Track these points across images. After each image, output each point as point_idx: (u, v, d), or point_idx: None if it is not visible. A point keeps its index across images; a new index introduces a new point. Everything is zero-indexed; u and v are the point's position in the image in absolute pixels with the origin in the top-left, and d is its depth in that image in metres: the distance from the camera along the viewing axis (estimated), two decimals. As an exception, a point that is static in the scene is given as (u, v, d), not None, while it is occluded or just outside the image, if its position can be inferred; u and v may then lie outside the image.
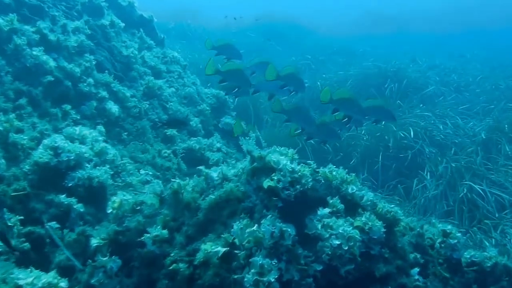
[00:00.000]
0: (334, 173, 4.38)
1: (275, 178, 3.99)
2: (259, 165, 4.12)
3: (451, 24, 36.66)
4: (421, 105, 11.93)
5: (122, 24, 7.78)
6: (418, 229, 4.56)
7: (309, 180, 4.06)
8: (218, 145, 7.32)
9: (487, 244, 6.84)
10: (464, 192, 7.90)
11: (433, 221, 4.89)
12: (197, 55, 15.48)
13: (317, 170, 4.41)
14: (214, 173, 4.38)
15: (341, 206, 4.04)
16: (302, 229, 3.87)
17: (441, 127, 10.37)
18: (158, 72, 7.96)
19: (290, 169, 4.03)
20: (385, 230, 3.93)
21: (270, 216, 3.81)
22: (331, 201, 4.08)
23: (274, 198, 3.92)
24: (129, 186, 5.55)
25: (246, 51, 17.48)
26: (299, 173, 4.05)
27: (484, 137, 9.64)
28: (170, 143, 6.92)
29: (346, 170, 4.42)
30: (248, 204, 4.03)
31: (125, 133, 6.47)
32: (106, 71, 6.75)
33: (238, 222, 3.84)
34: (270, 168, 4.07)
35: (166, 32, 18.87)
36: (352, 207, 4.19)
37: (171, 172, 6.36)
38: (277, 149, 4.44)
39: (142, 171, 5.95)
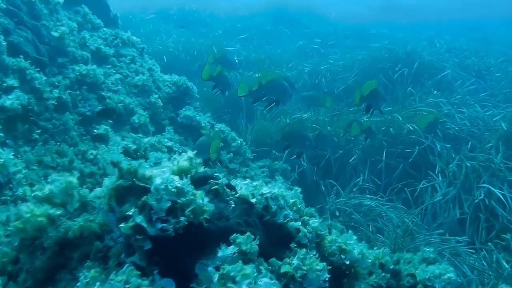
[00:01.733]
0: (263, 191, 3.01)
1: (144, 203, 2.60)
2: (127, 183, 2.70)
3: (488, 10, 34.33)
4: (436, 91, 10.33)
5: (61, 0, 6.40)
6: (392, 266, 3.35)
7: (205, 205, 2.65)
8: (170, 143, 5.92)
9: (506, 266, 5.48)
10: (481, 197, 6.66)
11: (425, 249, 3.68)
12: (194, 38, 14.07)
13: (234, 185, 3.05)
14: (71, 194, 2.98)
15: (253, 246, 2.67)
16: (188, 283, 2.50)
17: (457, 117, 8.80)
18: (104, 57, 6.58)
19: (172, 189, 2.63)
20: (330, 276, 2.66)
21: (127, 266, 2.43)
22: (240, 238, 2.68)
23: (139, 237, 2.53)
24: (20, 201, 4.20)
25: (252, 36, 16.25)
26: (189, 196, 2.64)
27: (505, 129, 8.06)
28: (103, 142, 5.54)
29: (288, 183, 3.12)
30: (108, 243, 2.66)
31: (38, 131, 5.10)
32: (22, 55, 5.38)
33: (84, 274, 2.47)
34: (142, 188, 2.67)
35: (166, 17, 17.73)
36: (280, 242, 2.78)
37: (94, 179, 4.98)
38: (174, 157, 3.07)
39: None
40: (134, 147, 5.50)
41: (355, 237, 3.22)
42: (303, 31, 17.87)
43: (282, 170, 7.68)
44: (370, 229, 6.35)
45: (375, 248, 3.89)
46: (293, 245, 2.85)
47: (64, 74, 5.81)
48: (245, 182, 3.07)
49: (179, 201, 2.60)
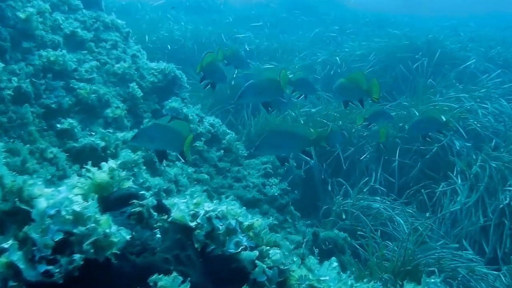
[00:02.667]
0: (206, 208, 2.32)
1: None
2: (7, 207, 1.97)
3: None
4: (458, 84, 9.48)
5: (32, -22, 5.68)
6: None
7: (113, 234, 1.94)
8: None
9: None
10: (507, 201, 6.05)
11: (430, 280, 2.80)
12: (203, 26, 13.30)
13: (168, 206, 2.34)
14: None
15: None
16: None
17: (480, 112, 7.97)
18: (79, 42, 5.84)
19: (67, 216, 1.93)
20: None
21: None
22: (163, 280, 1.94)
23: (13, 283, 1.81)
24: None
25: (266, 23, 15.44)
26: (91, 223, 1.94)
27: (533, 125, 7.26)
28: (66, 139, 4.82)
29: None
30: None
31: (-13, 126, 4.41)
32: (-24, 39, 4.69)
33: None
34: (27, 213, 1.95)
35: (178, 3, 16.95)
36: (229, 281, 2.26)
37: (50, 181, 4.27)
38: (89, 168, 2.35)
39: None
40: (102, 144, 4.79)
41: (335, 268, 2.48)
42: (321, 18, 17.03)
43: (287, 167, 6.91)
44: (379, 235, 5.78)
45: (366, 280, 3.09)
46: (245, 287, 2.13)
47: (28, 61, 5.09)
48: (184, 200, 2.31)
49: (76, 231, 1.86)
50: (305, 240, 5.34)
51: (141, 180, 4.67)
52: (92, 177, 2.25)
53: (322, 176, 7.34)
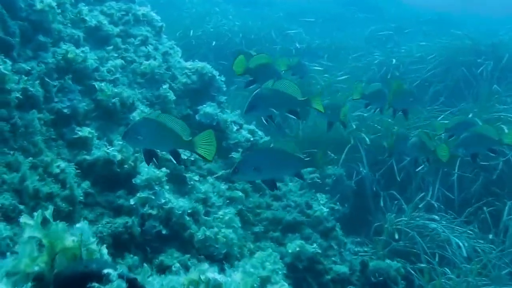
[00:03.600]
0: None
1: None
2: None
3: None
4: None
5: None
6: None
7: None
8: (177, 150, 4.45)
9: None
10: None
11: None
12: (251, 21, 12.50)
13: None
14: None
15: None
16: None
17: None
18: (104, 37, 5.13)
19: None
20: None
21: None
22: None
23: None
24: None
25: (319, 19, 14.56)
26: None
27: None
28: (80, 150, 4.09)
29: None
30: None
31: (-14, 134, 3.72)
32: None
33: None
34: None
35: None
36: None
37: (53, 202, 3.56)
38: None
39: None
40: (119, 157, 4.04)
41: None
42: (378, 15, 16.01)
43: (336, 177, 6.25)
44: (436, 260, 5.24)
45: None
46: None
47: (40, 58, 4.39)
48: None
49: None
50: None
51: (163, 201, 3.92)
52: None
53: (374, 189, 6.66)
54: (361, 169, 6.65)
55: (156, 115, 3.14)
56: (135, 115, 4.57)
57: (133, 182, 3.95)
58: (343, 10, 15.98)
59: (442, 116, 7.71)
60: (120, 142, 4.11)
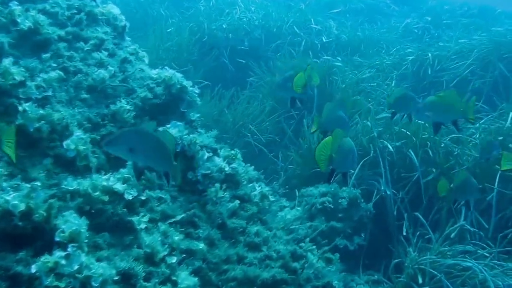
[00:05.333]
0: None
1: None
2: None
3: None
4: None
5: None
6: None
7: None
8: (119, 187, 3.38)
9: None
10: None
11: None
12: (275, 13, 11.21)
13: None
14: None
15: None
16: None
17: None
18: (43, 42, 4.03)
19: None
20: None
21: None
22: None
23: None
24: None
25: (350, 10, 13.25)
26: None
27: None
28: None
29: None
30: None
31: None
32: None
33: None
34: None
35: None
36: None
37: None
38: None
39: None
40: (22, 207, 2.95)
41: None
42: (414, 7, 14.60)
43: (350, 199, 5.34)
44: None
45: None
46: None
47: None
48: None
49: None
50: None
51: (76, 267, 2.83)
52: None
53: (396, 211, 5.64)
54: (382, 187, 5.66)
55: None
56: (70, 143, 3.47)
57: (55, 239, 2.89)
58: (377, 1, 14.54)
59: (482, 121, 6.69)
60: (29, 186, 3.03)
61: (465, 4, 14.40)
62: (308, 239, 4.14)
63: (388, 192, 5.62)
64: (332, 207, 5.29)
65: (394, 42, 10.91)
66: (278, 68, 8.24)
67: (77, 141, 3.51)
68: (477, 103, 7.35)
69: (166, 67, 4.45)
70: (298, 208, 5.56)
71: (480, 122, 6.58)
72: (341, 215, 5.29)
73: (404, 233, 5.38)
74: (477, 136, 6.16)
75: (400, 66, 9.07)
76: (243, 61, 9.29)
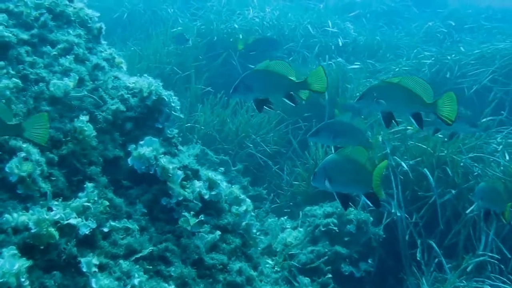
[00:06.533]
0: None
1: None
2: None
3: None
4: None
5: None
6: None
7: None
8: (74, 220, 2.83)
9: None
10: None
11: None
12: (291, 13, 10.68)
13: None
14: None
15: None
16: None
17: None
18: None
19: None
20: None
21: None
22: None
23: None
24: None
25: (370, 13, 12.67)
26: None
27: None
28: None
29: None
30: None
31: None
32: None
33: None
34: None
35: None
36: None
37: None
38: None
39: None
40: None
41: None
42: (435, 10, 13.88)
43: (359, 223, 4.76)
44: None
45: None
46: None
47: None
48: None
49: None
50: None
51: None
52: None
53: (409, 236, 5.02)
54: (393, 210, 5.04)
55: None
56: (13, 166, 2.91)
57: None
58: (397, 4, 13.95)
59: (504, 133, 6.16)
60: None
61: (489, 7, 13.74)
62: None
63: (399, 214, 5.02)
64: (337, 230, 4.71)
65: (413, 46, 10.28)
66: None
67: (22, 164, 2.96)
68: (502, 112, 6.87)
69: (145, 74, 3.89)
70: (301, 229, 5.02)
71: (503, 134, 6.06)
72: (347, 238, 4.72)
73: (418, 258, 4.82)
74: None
75: (418, 73, 8.44)
76: (253, 66, 8.72)
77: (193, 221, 3.25)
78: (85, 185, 3.10)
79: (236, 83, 3.41)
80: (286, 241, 4.75)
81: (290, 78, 3.38)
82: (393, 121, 3.47)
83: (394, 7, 13.76)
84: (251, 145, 6.46)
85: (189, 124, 6.66)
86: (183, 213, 3.31)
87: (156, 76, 7.53)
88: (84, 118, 3.34)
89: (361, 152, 3.14)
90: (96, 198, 3.09)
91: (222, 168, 5.08)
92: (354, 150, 3.16)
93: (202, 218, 3.35)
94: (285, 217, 5.39)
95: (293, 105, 3.50)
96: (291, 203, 5.85)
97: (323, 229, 4.69)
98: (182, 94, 7.40)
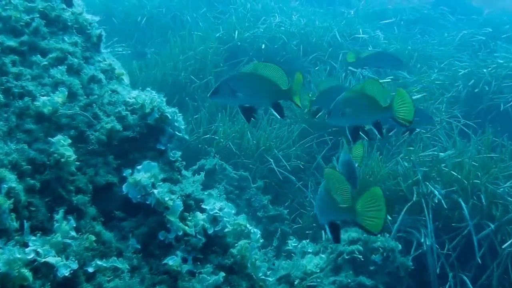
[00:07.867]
0: None
1: None
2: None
3: None
4: None
5: None
6: None
7: None
8: (52, 259, 2.40)
9: None
10: None
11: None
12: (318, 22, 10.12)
13: None
14: None
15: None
16: None
17: None
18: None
19: None
20: None
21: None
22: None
23: None
24: None
25: (402, 21, 12.08)
26: None
27: None
28: None
29: None
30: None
31: None
32: None
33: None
34: None
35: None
36: None
37: None
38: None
39: None
40: None
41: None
42: (471, 18, 13.10)
43: (387, 251, 4.34)
44: None
45: None
46: None
47: None
48: None
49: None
50: None
51: None
52: None
53: (440, 268, 4.58)
54: (422, 239, 4.63)
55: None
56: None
57: None
58: (431, 11, 13.26)
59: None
60: None
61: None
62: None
63: (428, 243, 4.57)
64: (362, 259, 4.27)
65: (447, 56, 9.64)
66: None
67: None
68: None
69: (148, 88, 3.43)
70: (323, 256, 4.58)
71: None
72: (373, 267, 4.29)
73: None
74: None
75: (451, 87, 7.84)
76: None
77: (184, 268, 2.78)
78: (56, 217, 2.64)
79: (218, 84, 2.99)
80: (306, 269, 4.35)
81: (278, 84, 2.91)
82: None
83: (428, 14, 13.05)
84: (271, 160, 5.96)
85: (207, 136, 6.22)
86: (177, 252, 2.84)
87: (172, 84, 7.20)
88: (62, 137, 2.87)
89: (374, 86, 3.04)
90: (73, 233, 2.64)
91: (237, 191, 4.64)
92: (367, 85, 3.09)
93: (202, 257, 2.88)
94: (307, 240, 4.98)
95: (279, 117, 3.09)
96: (313, 224, 5.41)
97: (346, 257, 4.29)
98: (202, 102, 6.99)
